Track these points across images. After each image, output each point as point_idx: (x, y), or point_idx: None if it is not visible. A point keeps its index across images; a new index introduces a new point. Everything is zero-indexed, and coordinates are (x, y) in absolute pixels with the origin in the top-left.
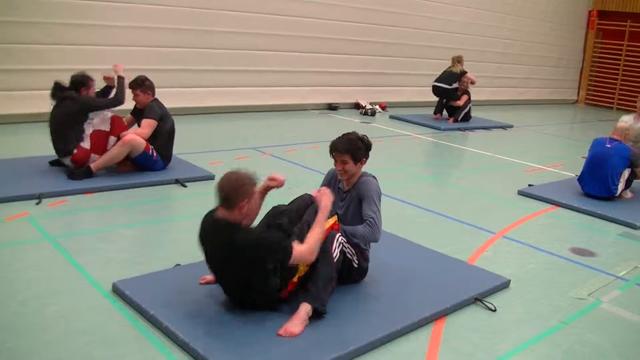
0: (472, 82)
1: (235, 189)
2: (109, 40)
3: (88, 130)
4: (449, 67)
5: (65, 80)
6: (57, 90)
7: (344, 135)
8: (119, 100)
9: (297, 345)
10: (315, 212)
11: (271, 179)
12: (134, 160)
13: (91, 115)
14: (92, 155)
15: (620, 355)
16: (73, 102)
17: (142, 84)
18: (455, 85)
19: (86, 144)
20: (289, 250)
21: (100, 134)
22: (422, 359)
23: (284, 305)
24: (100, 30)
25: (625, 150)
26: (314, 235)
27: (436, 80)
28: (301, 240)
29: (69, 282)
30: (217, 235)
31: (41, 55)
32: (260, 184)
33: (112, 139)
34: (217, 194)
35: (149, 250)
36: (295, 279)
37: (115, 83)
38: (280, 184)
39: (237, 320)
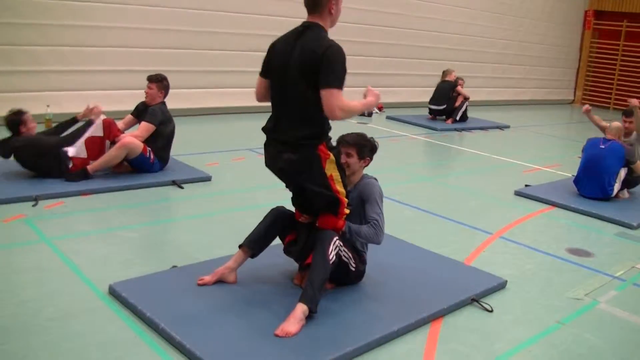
0: (466, 98)
1: None
2: (106, 41)
3: (82, 138)
4: (442, 79)
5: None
6: (4, 145)
7: (353, 132)
8: (68, 142)
9: (294, 346)
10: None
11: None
12: (130, 162)
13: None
14: (91, 162)
15: (618, 356)
16: (26, 148)
17: (160, 81)
18: (445, 104)
19: (82, 153)
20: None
21: (94, 140)
22: None
23: (279, 307)
24: (97, 32)
25: (619, 150)
26: (353, 103)
27: (430, 102)
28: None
29: (65, 284)
30: (304, 34)
31: (37, 56)
32: None
33: (108, 143)
34: (304, 3)
35: (146, 252)
36: (341, 186)
37: (82, 123)
38: None
39: (233, 322)
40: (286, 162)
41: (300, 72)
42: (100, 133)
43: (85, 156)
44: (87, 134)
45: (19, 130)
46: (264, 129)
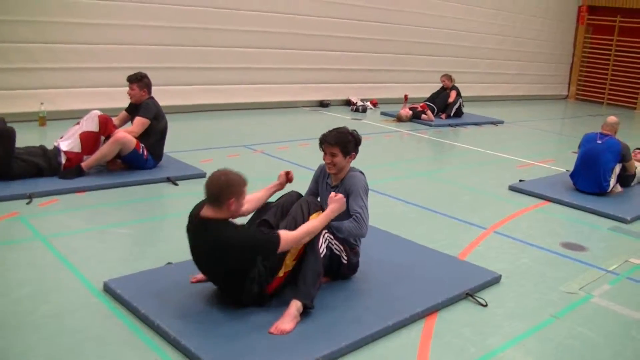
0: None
1: (223, 188)
2: (100, 38)
3: (76, 133)
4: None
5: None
6: None
7: (334, 129)
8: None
9: (288, 342)
10: (301, 209)
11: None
12: (124, 158)
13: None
14: (85, 156)
15: (611, 349)
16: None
17: (139, 80)
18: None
19: (77, 147)
20: (275, 242)
21: (89, 135)
22: (413, 355)
23: (274, 302)
24: (90, 29)
25: (616, 145)
26: (308, 227)
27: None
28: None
29: (60, 281)
30: (203, 234)
31: (30, 53)
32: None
33: (102, 138)
34: (205, 192)
35: (141, 249)
36: (280, 274)
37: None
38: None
39: (228, 318)
40: None
41: None
42: (95, 129)
43: (79, 150)
44: (82, 129)
45: None
46: None
